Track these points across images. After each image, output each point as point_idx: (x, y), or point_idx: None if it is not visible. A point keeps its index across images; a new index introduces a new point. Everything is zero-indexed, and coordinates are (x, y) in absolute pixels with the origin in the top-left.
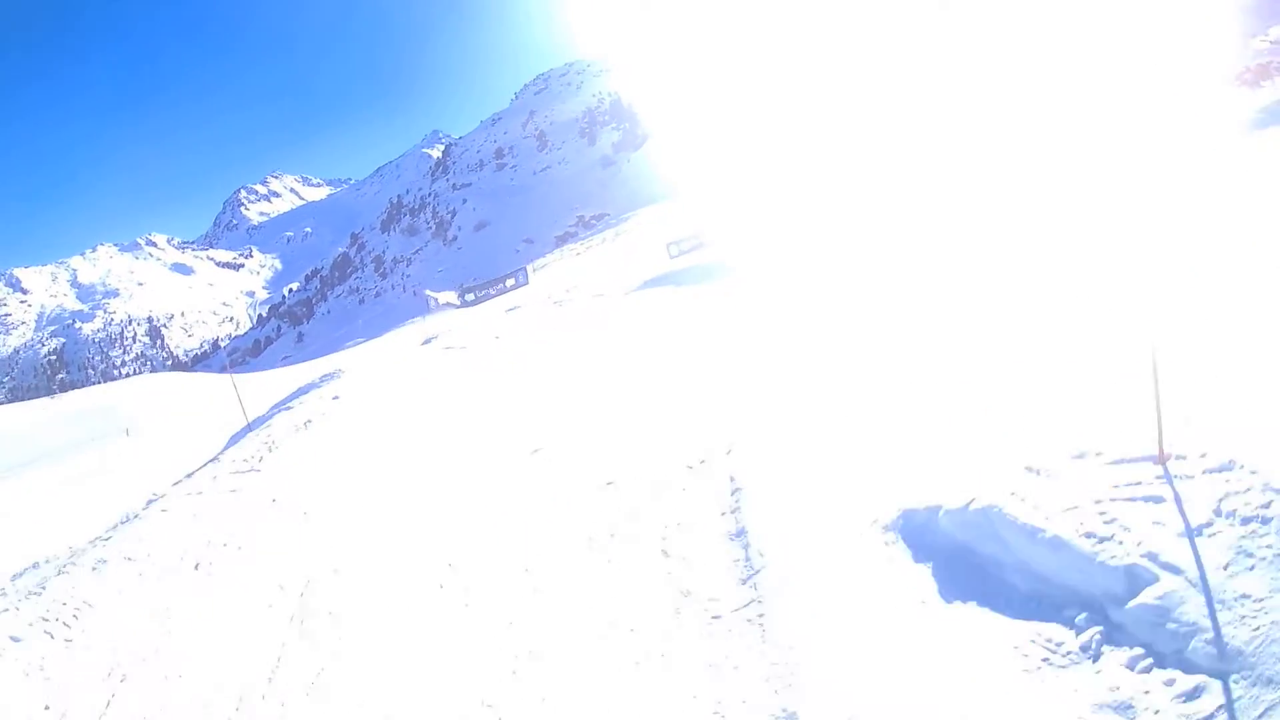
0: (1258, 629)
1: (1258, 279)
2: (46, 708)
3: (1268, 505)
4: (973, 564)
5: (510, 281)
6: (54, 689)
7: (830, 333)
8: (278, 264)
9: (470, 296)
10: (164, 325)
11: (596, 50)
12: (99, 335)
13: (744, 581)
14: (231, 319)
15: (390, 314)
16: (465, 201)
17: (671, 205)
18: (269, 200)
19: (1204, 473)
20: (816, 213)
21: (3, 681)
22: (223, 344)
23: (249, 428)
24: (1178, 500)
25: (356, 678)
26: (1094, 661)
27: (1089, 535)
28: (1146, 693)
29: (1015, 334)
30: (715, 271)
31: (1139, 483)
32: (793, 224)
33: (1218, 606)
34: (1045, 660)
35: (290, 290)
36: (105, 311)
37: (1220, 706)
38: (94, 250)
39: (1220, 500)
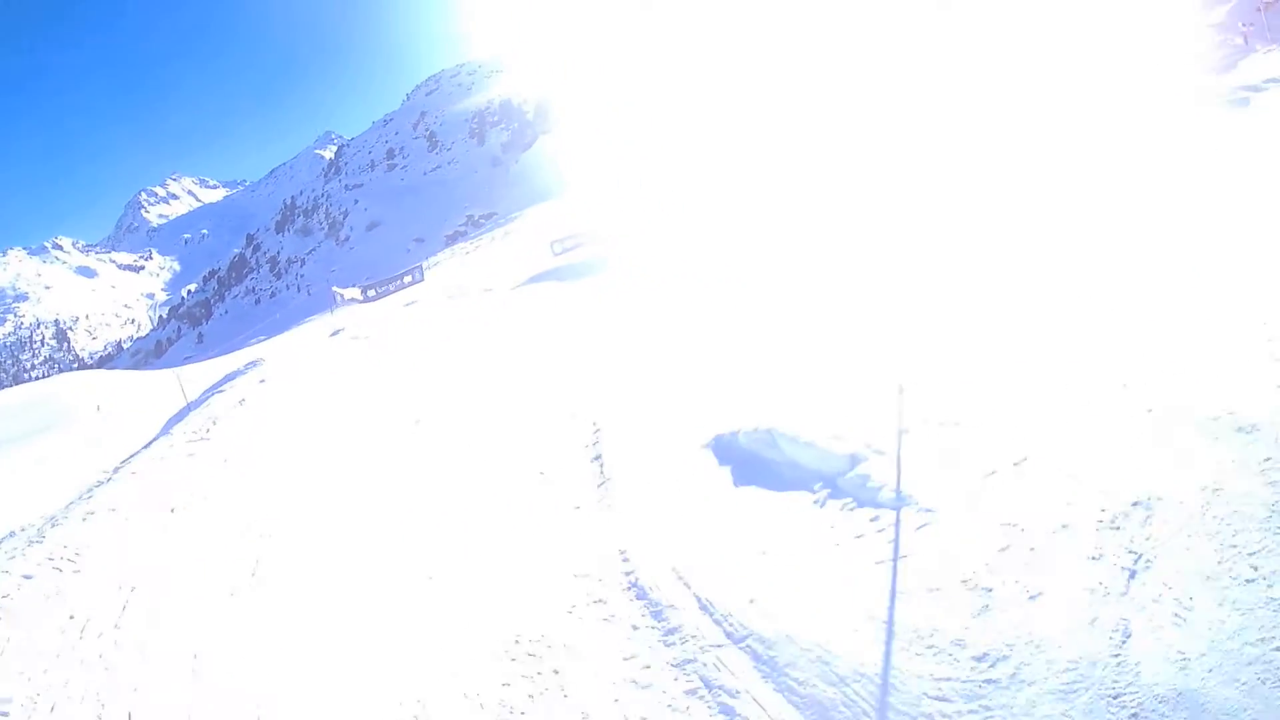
0: (914, 482)
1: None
2: (71, 618)
3: (960, 418)
4: (758, 464)
5: (408, 279)
6: (74, 604)
7: (679, 316)
8: (176, 265)
9: (372, 293)
10: (70, 328)
11: (488, 51)
12: (10, 339)
13: (599, 487)
14: (133, 321)
15: (286, 314)
16: (357, 202)
17: (557, 205)
18: (168, 202)
19: (923, 395)
20: (686, 214)
21: (26, 606)
22: (125, 346)
23: (187, 409)
24: (900, 413)
25: (325, 565)
26: (820, 509)
27: (832, 436)
28: (848, 520)
29: (820, 314)
30: (593, 267)
31: (877, 404)
32: (664, 224)
33: (903, 473)
34: (789, 510)
35: (189, 292)
36: (15, 315)
37: (892, 523)
38: (4, 254)
39: (928, 411)
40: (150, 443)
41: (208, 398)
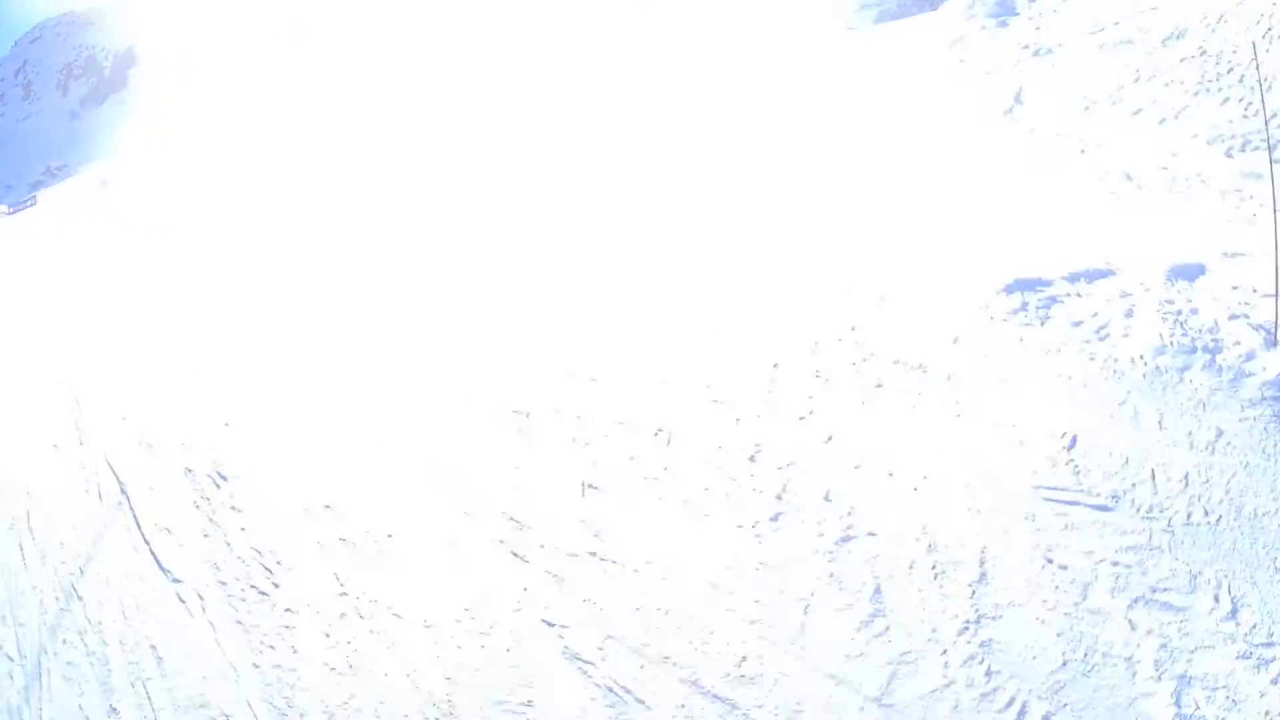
0: None
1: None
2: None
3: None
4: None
5: (29, 201)
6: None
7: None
8: None
9: (10, 210)
10: None
11: (90, 3)
12: None
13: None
14: None
15: None
16: None
17: (112, 161)
18: None
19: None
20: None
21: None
22: None
23: None
24: None
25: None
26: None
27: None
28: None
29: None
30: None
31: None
32: (186, 178)
33: None
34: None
35: None
36: None
37: None
38: None
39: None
40: None
41: None
